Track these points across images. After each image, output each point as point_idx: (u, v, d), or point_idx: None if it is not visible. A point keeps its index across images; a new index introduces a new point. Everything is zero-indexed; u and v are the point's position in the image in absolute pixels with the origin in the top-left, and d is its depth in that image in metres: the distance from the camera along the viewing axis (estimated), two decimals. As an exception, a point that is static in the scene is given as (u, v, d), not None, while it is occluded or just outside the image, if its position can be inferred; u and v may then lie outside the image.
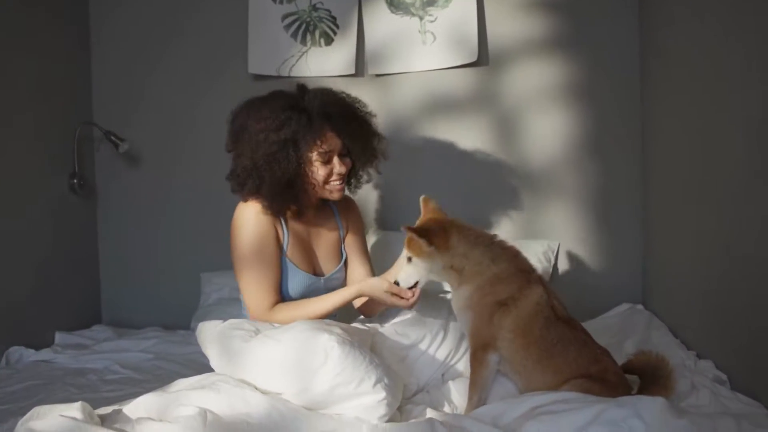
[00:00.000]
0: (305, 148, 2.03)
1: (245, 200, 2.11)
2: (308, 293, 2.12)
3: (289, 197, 2.07)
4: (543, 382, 1.74)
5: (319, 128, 2.04)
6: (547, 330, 1.77)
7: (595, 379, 1.72)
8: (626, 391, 1.75)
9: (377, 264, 2.77)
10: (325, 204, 2.29)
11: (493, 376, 1.82)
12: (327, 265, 2.25)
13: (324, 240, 2.26)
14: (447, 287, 2.07)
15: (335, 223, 2.31)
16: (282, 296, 2.12)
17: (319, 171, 2.08)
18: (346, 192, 2.27)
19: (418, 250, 1.83)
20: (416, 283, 1.89)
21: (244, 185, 2.08)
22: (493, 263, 1.83)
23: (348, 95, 2.21)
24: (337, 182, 2.12)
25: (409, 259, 1.87)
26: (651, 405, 1.41)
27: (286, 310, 2.04)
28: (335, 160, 2.10)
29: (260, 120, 2.02)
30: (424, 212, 1.98)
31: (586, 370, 1.74)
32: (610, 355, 1.84)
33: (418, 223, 1.93)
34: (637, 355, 1.85)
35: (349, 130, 2.11)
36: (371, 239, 2.91)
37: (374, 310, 2.25)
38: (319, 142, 2.05)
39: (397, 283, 1.90)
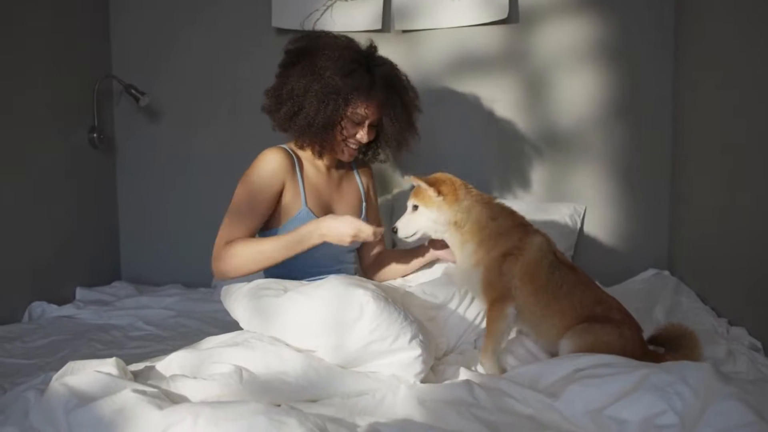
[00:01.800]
0: (353, 104, 2.04)
1: (273, 123, 2.14)
2: (330, 249, 2.08)
3: (317, 136, 2.06)
4: (552, 326, 1.78)
5: (374, 96, 2.06)
6: (552, 274, 1.82)
7: (599, 318, 1.74)
8: (632, 327, 1.75)
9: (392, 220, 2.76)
10: (346, 162, 2.29)
11: (510, 329, 1.86)
12: None
13: (343, 198, 2.24)
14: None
15: (356, 182, 2.30)
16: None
17: (348, 128, 2.08)
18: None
19: (427, 199, 1.88)
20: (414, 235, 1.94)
21: (281, 107, 2.08)
22: (492, 220, 1.88)
23: (407, 78, 2.22)
24: (353, 146, 2.14)
25: (415, 208, 1.91)
26: (697, 371, 1.38)
27: (237, 245, 1.97)
28: (365, 127, 2.10)
29: (330, 58, 2.03)
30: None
31: (590, 310, 1.76)
32: (618, 301, 1.85)
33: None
34: (667, 327, 1.83)
35: (394, 112, 2.13)
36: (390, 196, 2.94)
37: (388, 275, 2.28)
38: (365, 106, 2.06)
39: (394, 230, 1.95)
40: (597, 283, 1.95)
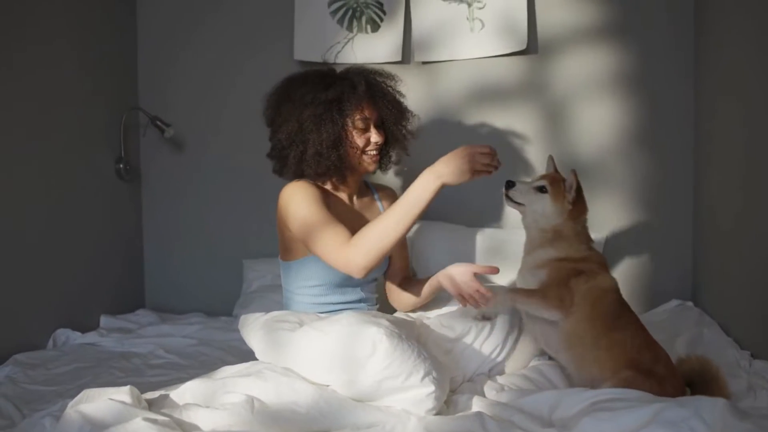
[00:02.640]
0: (349, 111, 2.07)
1: (288, 178, 2.15)
2: (348, 281, 2.09)
3: (332, 162, 2.07)
4: (596, 359, 1.76)
5: (362, 96, 2.09)
6: (613, 306, 1.82)
7: (642, 370, 1.70)
8: (675, 384, 1.71)
9: (420, 254, 2.76)
10: (366, 190, 2.32)
11: (493, 340, 1.93)
12: None
13: (367, 219, 2.24)
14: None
15: (377, 208, 2.31)
16: (322, 281, 2.10)
17: (357, 139, 2.12)
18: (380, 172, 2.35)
19: (560, 195, 1.90)
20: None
21: (288, 156, 2.11)
22: (587, 249, 1.93)
23: (382, 71, 2.26)
24: (374, 151, 2.15)
25: (542, 190, 1.91)
26: (712, 406, 1.36)
27: (359, 236, 1.88)
28: (372, 129, 2.14)
29: (305, 84, 2.10)
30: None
31: (637, 354, 1.74)
32: (666, 354, 1.82)
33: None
34: (678, 364, 1.81)
35: (385, 103, 2.16)
36: (414, 227, 2.89)
37: (408, 304, 2.27)
38: (361, 107, 2.10)
39: (511, 184, 1.93)
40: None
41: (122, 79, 3.20)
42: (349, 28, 3.01)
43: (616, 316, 1.81)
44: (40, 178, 2.62)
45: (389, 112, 2.17)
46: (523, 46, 2.87)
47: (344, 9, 3.01)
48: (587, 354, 1.78)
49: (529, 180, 2.01)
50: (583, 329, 1.78)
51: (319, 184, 2.16)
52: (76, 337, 2.64)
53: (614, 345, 1.75)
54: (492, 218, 2.97)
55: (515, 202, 1.93)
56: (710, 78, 2.63)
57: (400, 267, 2.32)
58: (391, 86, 2.23)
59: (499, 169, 1.88)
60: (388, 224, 1.84)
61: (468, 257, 2.65)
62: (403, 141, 2.26)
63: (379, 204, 2.33)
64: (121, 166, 3.09)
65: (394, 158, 2.34)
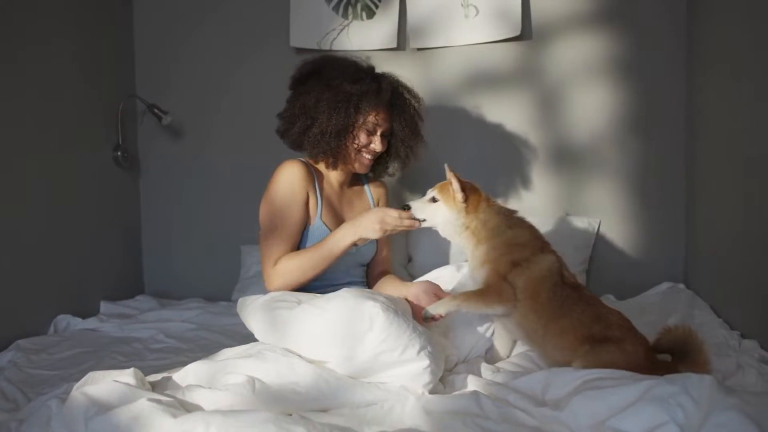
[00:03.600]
0: (364, 112, 2.13)
1: (287, 144, 2.22)
2: (340, 261, 2.14)
3: (330, 147, 2.13)
4: (555, 346, 1.80)
5: (383, 102, 2.14)
6: (554, 293, 1.84)
7: (597, 340, 1.75)
8: (633, 341, 1.76)
9: (404, 238, 2.79)
10: (357, 180, 2.36)
11: (483, 315, 1.94)
12: None
13: (357, 213, 2.28)
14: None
15: (367, 198, 2.36)
16: None
17: (360, 138, 2.16)
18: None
19: (450, 199, 1.92)
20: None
21: (294, 124, 2.17)
22: (509, 228, 1.92)
23: (412, 90, 2.30)
24: (368, 156, 2.21)
25: (434, 200, 1.94)
26: (699, 382, 1.39)
27: (285, 262, 2.06)
28: (377, 136, 2.18)
29: (337, 68, 2.14)
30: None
31: (588, 329, 1.77)
32: (621, 314, 1.87)
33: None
34: (663, 333, 1.83)
35: (401, 120, 2.21)
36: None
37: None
38: (375, 113, 2.14)
39: (407, 207, 1.97)
40: (604, 299, 1.96)
41: (119, 67, 3.22)
42: (345, 15, 3.03)
43: (560, 303, 1.82)
44: (38, 167, 2.64)
45: (401, 127, 2.22)
46: (517, 33, 2.89)
47: (340, -4, 3.03)
48: (545, 342, 1.83)
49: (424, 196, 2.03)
50: (532, 321, 1.83)
51: (312, 163, 2.23)
52: (77, 323, 2.67)
53: (565, 331, 1.79)
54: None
55: (422, 222, 1.97)
56: (702, 65, 2.65)
57: (383, 258, 2.37)
58: (413, 106, 2.27)
59: (421, 225, 1.97)
60: (309, 264, 2.04)
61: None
62: (404, 159, 2.31)
63: (368, 192, 2.37)
64: (119, 153, 3.12)
65: (390, 170, 2.38)
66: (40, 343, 2.39)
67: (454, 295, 1.88)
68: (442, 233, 1.99)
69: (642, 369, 1.66)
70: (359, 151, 2.18)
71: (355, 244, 2.05)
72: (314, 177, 2.18)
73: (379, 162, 2.32)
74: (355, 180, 2.37)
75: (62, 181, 2.78)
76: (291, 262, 2.05)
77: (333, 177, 2.27)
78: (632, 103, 2.89)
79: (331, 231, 2.10)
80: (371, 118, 2.14)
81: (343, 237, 2.01)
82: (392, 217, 1.94)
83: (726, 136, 2.37)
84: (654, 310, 2.52)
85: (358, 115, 2.13)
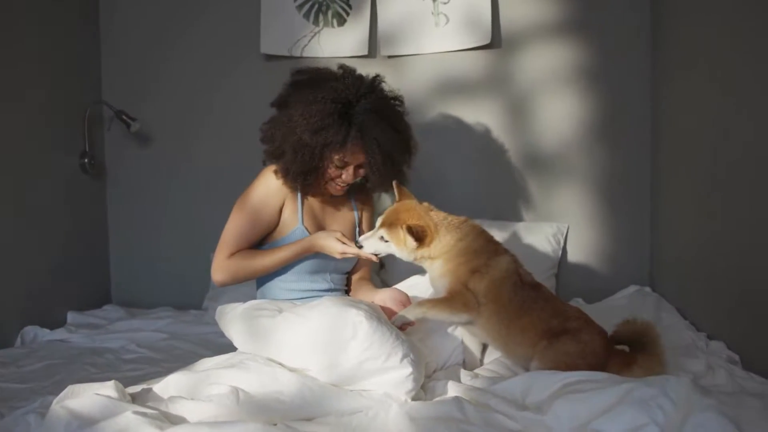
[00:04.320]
0: (329, 155, 2.05)
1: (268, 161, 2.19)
2: (321, 266, 2.16)
3: (298, 181, 2.09)
4: (517, 344, 1.85)
5: (351, 145, 2.03)
6: (514, 294, 1.87)
7: (556, 333, 1.80)
8: (590, 332, 1.82)
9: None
10: None
11: (449, 323, 1.95)
12: None
13: (338, 222, 2.28)
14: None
15: (350, 205, 2.33)
16: (293, 265, 2.16)
17: (330, 171, 2.10)
18: None
19: (398, 240, 1.89)
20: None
21: (267, 145, 2.16)
22: (460, 240, 1.92)
23: (395, 112, 2.17)
24: (339, 185, 2.15)
25: (382, 238, 1.92)
26: (678, 384, 1.43)
27: (235, 258, 2.09)
28: (348, 170, 2.11)
29: (303, 114, 2.00)
30: (399, 196, 2.03)
31: (547, 324, 1.82)
32: (578, 308, 1.93)
33: (395, 210, 1.96)
34: (623, 324, 1.88)
35: (377, 158, 2.07)
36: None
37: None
38: (343, 155, 2.06)
39: (359, 246, 1.97)
40: (573, 303, 1.99)
41: (86, 73, 3.17)
42: (316, 22, 3.03)
43: (521, 302, 1.86)
44: (1, 174, 2.59)
45: (374, 160, 2.07)
46: (487, 41, 2.93)
47: (310, 3, 3.03)
48: (508, 341, 1.87)
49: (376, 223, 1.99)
50: (495, 323, 1.86)
51: None
52: (45, 334, 2.62)
53: (526, 329, 1.84)
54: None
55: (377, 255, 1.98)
56: (667, 73, 2.72)
57: (363, 265, 2.35)
58: (392, 134, 2.10)
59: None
60: (260, 266, 2.10)
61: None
62: (381, 186, 2.22)
63: (352, 203, 2.35)
64: (86, 160, 3.07)
65: (374, 192, 2.36)
66: (8, 356, 2.34)
67: (421, 301, 1.89)
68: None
69: (598, 357, 1.75)
70: (331, 180, 2.13)
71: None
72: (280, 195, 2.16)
73: (357, 184, 2.27)
74: None
75: (27, 189, 2.73)
76: (244, 263, 2.09)
77: None
78: (599, 110, 2.95)
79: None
80: (336, 159, 2.06)
81: (300, 251, 2.08)
82: (336, 251, 1.99)
83: (689, 143, 2.44)
84: (622, 314, 2.52)
85: (322, 158, 2.04)
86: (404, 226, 1.85)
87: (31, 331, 2.63)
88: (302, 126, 2.00)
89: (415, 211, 1.94)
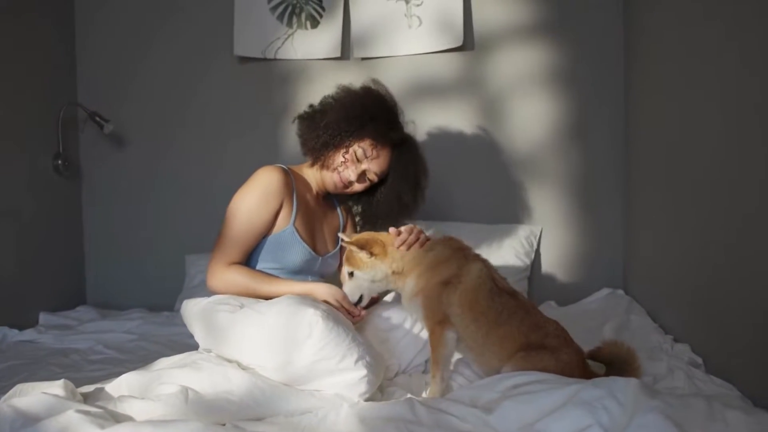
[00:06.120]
0: (365, 131, 2.11)
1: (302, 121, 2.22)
2: (305, 267, 2.14)
3: (319, 144, 2.12)
4: (493, 354, 1.80)
5: (388, 139, 2.15)
6: (492, 300, 1.83)
7: (534, 347, 1.76)
8: (569, 351, 1.78)
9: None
10: (329, 198, 2.35)
11: (452, 354, 1.88)
12: (326, 246, 2.26)
13: (327, 223, 2.29)
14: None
15: (336, 212, 2.35)
16: (280, 265, 2.13)
17: (346, 168, 2.14)
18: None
19: (360, 263, 1.89)
20: (361, 298, 1.96)
21: (317, 106, 2.21)
22: (428, 252, 1.91)
23: (425, 165, 2.29)
24: (341, 180, 2.16)
25: (351, 275, 1.92)
26: (625, 385, 1.43)
27: (237, 272, 2.03)
28: (359, 167, 2.14)
29: (370, 90, 2.18)
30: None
31: (527, 338, 1.78)
32: (558, 324, 1.88)
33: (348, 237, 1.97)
34: (608, 345, 1.87)
35: (399, 167, 2.19)
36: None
37: None
38: (371, 146, 2.13)
39: (356, 303, 1.96)
40: (546, 305, 1.97)
41: (60, 74, 3.16)
42: (289, 25, 3.04)
43: (499, 310, 1.81)
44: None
45: (397, 181, 2.20)
46: (460, 43, 2.94)
47: (284, 5, 3.04)
48: (484, 350, 1.83)
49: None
50: (472, 331, 1.82)
51: (293, 169, 2.21)
52: (14, 335, 2.61)
53: (504, 339, 1.79)
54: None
55: (361, 301, 1.96)
56: (639, 74, 2.73)
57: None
58: (417, 170, 2.25)
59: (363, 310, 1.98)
60: (256, 288, 2.01)
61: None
62: (394, 215, 2.25)
63: (338, 208, 2.36)
64: (60, 162, 3.06)
65: (377, 223, 2.31)
66: (-26, 357, 2.33)
67: (431, 375, 1.83)
68: (380, 291, 1.98)
69: (575, 377, 1.67)
70: (338, 167, 2.14)
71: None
72: (293, 183, 2.14)
73: (364, 207, 2.32)
74: (329, 197, 2.34)
75: (0, 190, 2.72)
76: (241, 278, 2.02)
77: (313, 183, 2.24)
78: (572, 112, 2.96)
79: (301, 238, 2.10)
80: (366, 144, 2.12)
81: (300, 290, 2.00)
82: (343, 304, 1.94)
83: (662, 147, 2.44)
84: (594, 316, 2.57)
85: (360, 130, 2.09)
86: (349, 249, 1.89)
87: (0, 331, 2.62)
88: (360, 99, 2.14)
89: (366, 235, 1.97)
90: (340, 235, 1.99)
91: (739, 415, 1.35)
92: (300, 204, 2.16)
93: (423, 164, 2.27)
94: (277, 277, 2.07)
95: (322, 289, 1.96)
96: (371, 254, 1.88)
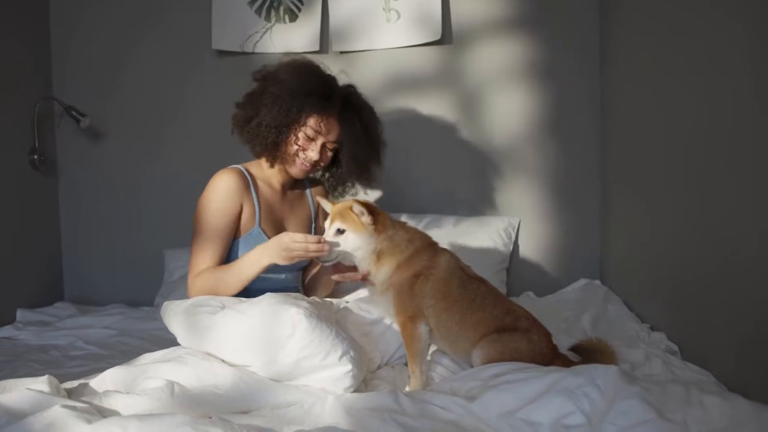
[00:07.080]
0: (306, 113, 2.09)
1: (237, 132, 2.17)
2: (279, 265, 2.14)
3: (268, 142, 2.10)
4: (467, 339, 1.83)
5: (329, 109, 2.11)
6: (463, 288, 1.87)
7: (508, 327, 1.82)
8: (539, 333, 1.84)
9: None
10: (299, 182, 2.33)
11: (428, 346, 1.90)
12: None
13: (296, 217, 2.28)
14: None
15: (308, 202, 2.34)
16: None
17: (300, 140, 2.12)
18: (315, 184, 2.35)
19: (357, 225, 1.86)
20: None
21: (246, 108, 2.15)
22: (410, 243, 1.91)
23: (372, 109, 2.26)
24: (306, 163, 2.15)
25: (340, 232, 1.88)
26: (605, 373, 1.46)
27: (203, 277, 2.02)
28: (316, 144, 2.13)
29: (289, 70, 2.12)
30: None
31: (500, 321, 1.83)
32: (525, 309, 1.92)
33: (340, 205, 1.94)
34: (585, 341, 1.94)
35: (351, 130, 2.15)
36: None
37: (320, 291, 2.31)
38: (319, 119, 2.10)
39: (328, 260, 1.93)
40: (525, 296, 2.00)
41: (35, 68, 3.13)
42: (267, 18, 3.03)
43: (470, 298, 1.85)
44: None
45: (350, 142, 2.16)
46: (438, 37, 2.95)
47: (262, -1, 3.03)
48: (458, 338, 1.86)
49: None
50: (445, 319, 1.85)
51: (248, 169, 2.18)
52: (-9, 332, 2.58)
53: (478, 324, 1.83)
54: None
55: (330, 261, 1.92)
56: (616, 67, 2.77)
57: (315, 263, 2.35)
58: (367, 123, 2.21)
59: (326, 253, 1.87)
60: (222, 285, 2.00)
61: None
62: (357, 177, 2.26)
63: (309, 197, 2.35)
64: (35, 157, 3.03)
65: (346, 189, 2.32)
66: (-48, 354, 2.30)
67: (410, 371, 1.84)
68: (348, 263, 1.94)
69: (545, 357, 1.76)
70: (297, 153, 2.13)
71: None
72: (250, 184, 2.14)
73: (332, 175, 2.30)
74: (298, 182, 2.33)
75: (-26, 186, 2.69)
76: (207, 280, 2.02)
77: (274, 179, 2.23)
78: (550, 106, 2.99)
79: (269, 237, 2.08)
80: (312, 122, 2.09)
81: (257, 261, 1.97)
82: (297, 243, 1.87)
83: (638, 140, 2.48)
84: (570, 306, 2.61)
85: (300, 114, 2.08)
86: (353, 205, 1.85)
87: (-24, 329, 2.60)
88: (289, 77, 2.08)
89: (366, 202, 1.94)
90: (351, 199, 1.91)
91: (715, 399, 1.39)
92: (262, 203, 2.15)
93: (369, 111, 2.25)
94: (233, 263, 2.04)
95: (272, 251, 1.93)
96: (374, 223, 1.86)
